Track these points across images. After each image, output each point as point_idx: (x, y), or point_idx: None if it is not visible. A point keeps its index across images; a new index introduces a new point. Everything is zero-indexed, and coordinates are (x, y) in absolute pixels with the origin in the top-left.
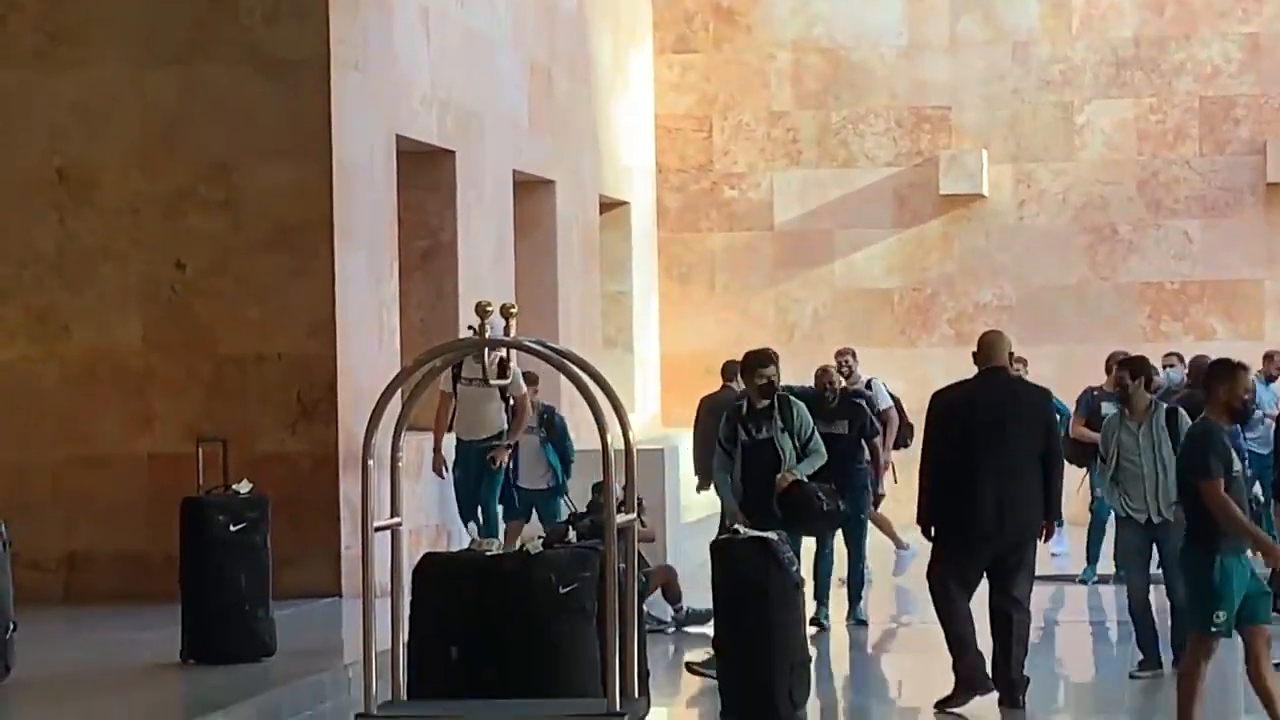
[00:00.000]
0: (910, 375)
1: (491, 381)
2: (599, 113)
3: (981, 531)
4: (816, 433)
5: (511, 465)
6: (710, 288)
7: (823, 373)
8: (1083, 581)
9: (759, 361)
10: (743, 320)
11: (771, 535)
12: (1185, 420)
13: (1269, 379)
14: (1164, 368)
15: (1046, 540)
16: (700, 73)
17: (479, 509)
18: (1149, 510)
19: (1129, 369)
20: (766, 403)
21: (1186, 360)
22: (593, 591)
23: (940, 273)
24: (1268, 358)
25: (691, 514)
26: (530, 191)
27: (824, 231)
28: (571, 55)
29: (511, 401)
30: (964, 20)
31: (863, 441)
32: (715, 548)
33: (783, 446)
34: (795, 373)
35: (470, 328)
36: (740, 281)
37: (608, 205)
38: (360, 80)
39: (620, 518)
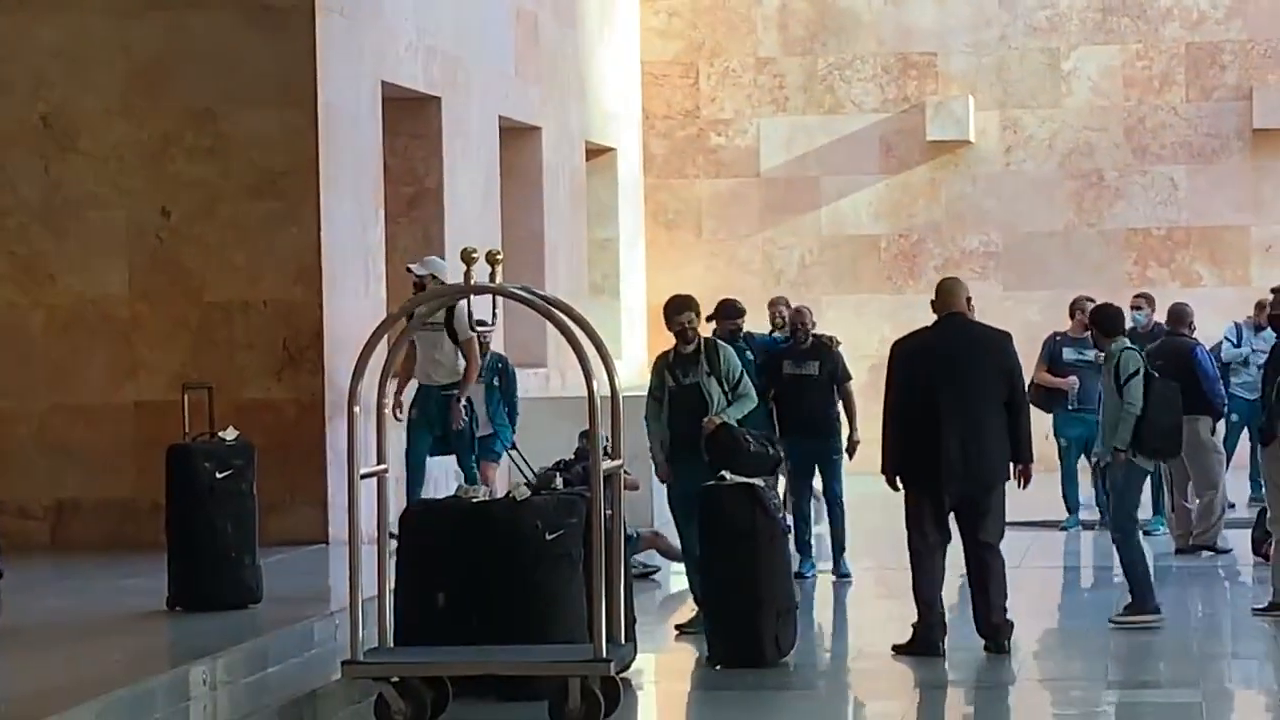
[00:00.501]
0: (897, 321)
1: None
2: (585, 59)
3: (948, 474)
4: (746, 377)
5: (469, 410)
6: (697, 234)
7: (796, 314)
8: (1064, 529)
9: (676, 308)
10: (729, 267)
11: (757, 481)
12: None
13: (1258, 327)
14: (1131, 309)
15: (1024, 486)
16: (686, 19)
17: (425, 462)
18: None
19: (1099, 326)
20: (691, 348)
21: (1154, 302)
22: (579, 538)
23: (927, 219)
24: (1259, 307)
25: None
26: (516, 138)
27: (810, 178)
28: (557, 1)
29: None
30: None
31: (834, 386)
32: (702, 494)
33: (709, 391)
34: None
35: (412, 274)
36: (727, 228)
37: (594, 152)
38: (346, 26)
39: (606, 464)
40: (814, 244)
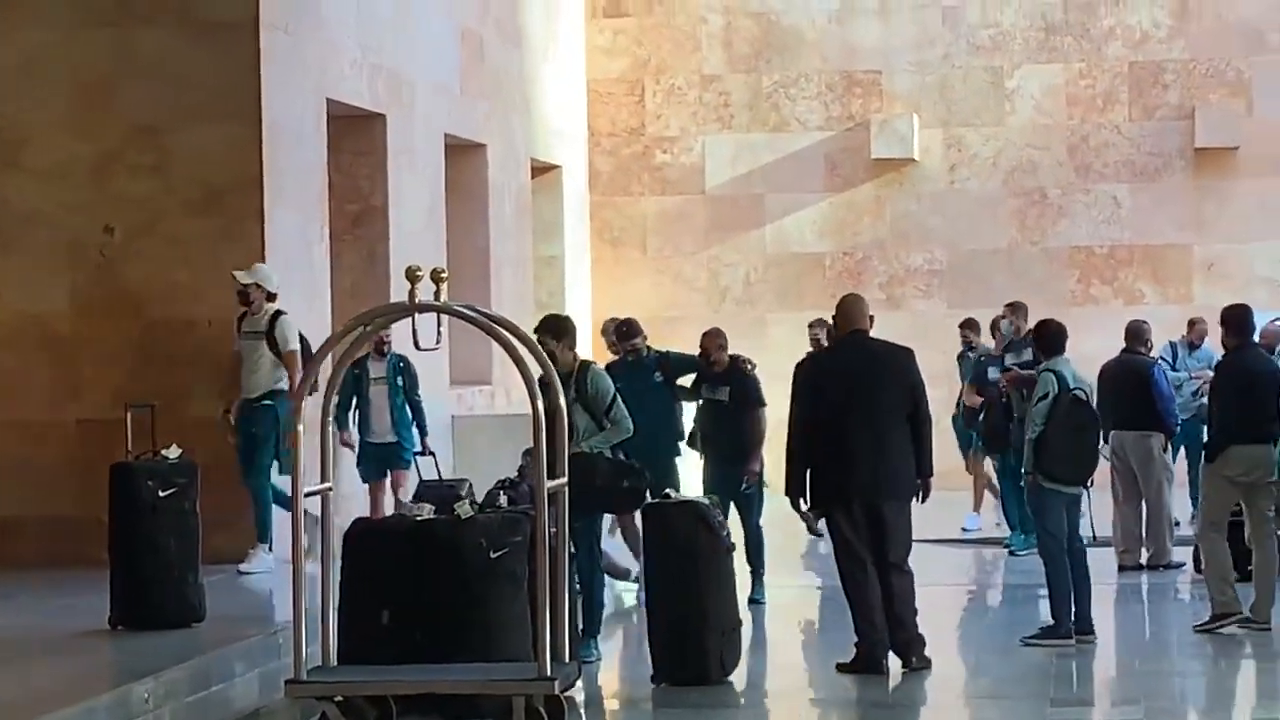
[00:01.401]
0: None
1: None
2: (531, 77)
3: (857, 490)
4: (619, 403)
5: (358, 420)
6: (642, 251)
7: (705, 336)
8: (1007, 546)
9: (539, 329)
10: (675, 284)
11: (703, 499)
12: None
13: (1192, 345)
14: (999, 319)
15: (923, 501)
16: (632, 36)
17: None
18: None
19: (1037, 344)
20: (566, 373)
21: (1024, 312)
22: (523, 557)
23: (872, 237)
24: (1191, 325)
25: None
26: (462, 155)
27: (755, 195)
28: (503, 19)
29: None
30: None
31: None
32: (646, 511)
33: (573, 419)
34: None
35: (237, 282)
36: (672, 245)
37: (539, 169)
38: (290, 44)
39: (551, 483)
40: (759, 261)
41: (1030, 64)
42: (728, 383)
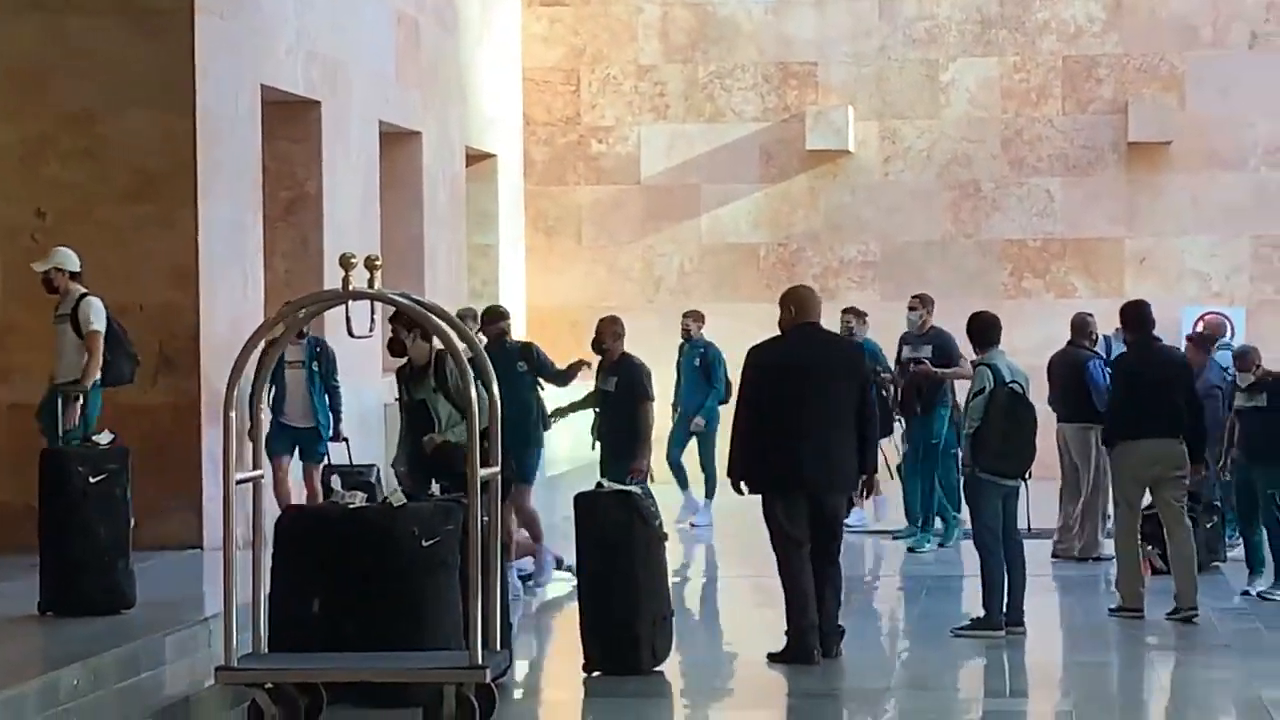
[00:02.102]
0: (775, 330)
1: (356, 333)
2: (466, 65)
3: (806, 480)
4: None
5: (273, 398)
6: (577, 241)
7: (604, 324)
8: (911, 549)
9: (392, 319)
10: (609, 274)
11: (635, 489)
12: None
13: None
14: (907, 309)
15: (866, 497)
16: (568, 25)
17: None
18: None
19: (970, 336)
20: (423, 363)
21: (931, 303)
22: (455, 545)
23: (806, 228)
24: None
25: (556, 467)
26: (397, 143)
27: (691, 186)
28: (439, 6)
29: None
30: None
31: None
32: (579, 501)
33: (435, 409)
34: (661, 328)
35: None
36: (607, 235)
37: (475, 158)
38: (225, 29)
39: (483, 471)
40: (694, 252)
41: (965, 57)
42: (616, 373)
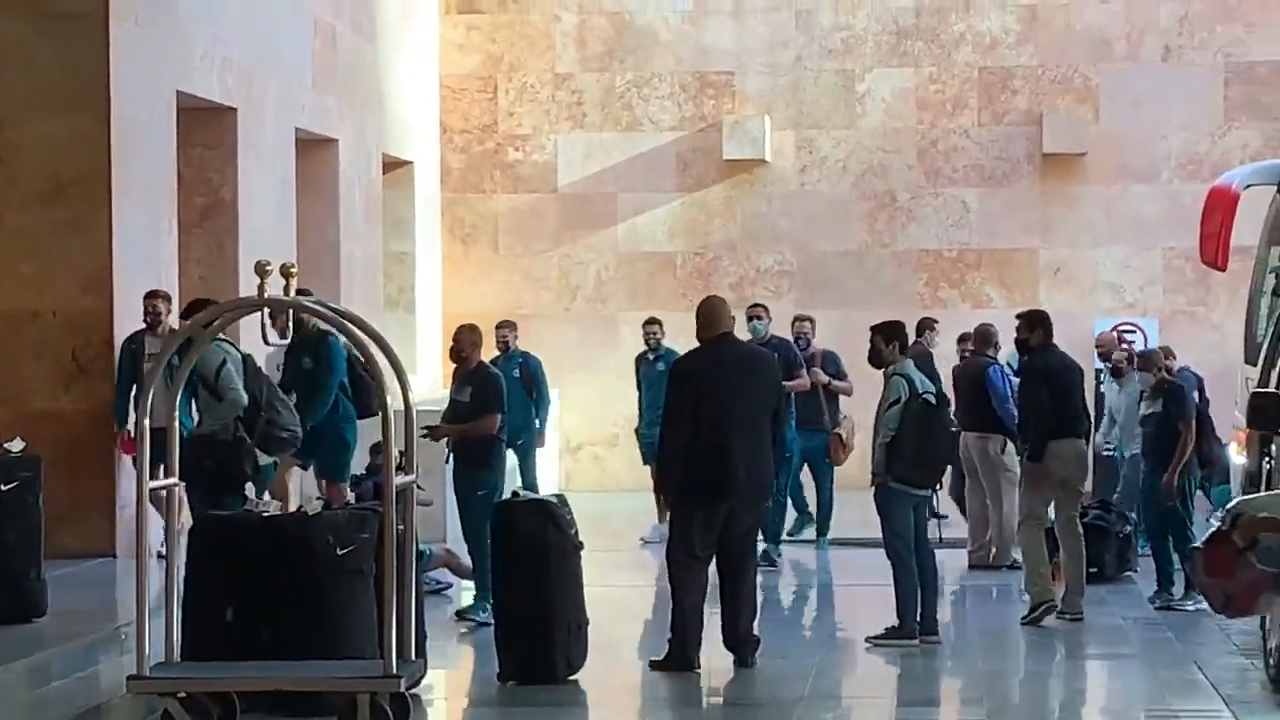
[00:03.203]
0: (692, 339)
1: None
2: (384, 72)
3: (731, 488)
4: (229, 384)
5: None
6: (494, 249)
7: (462, 332)
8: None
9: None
10: (525, 282)
11: (551, 498)
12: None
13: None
14: (749, 319)
15: (769, 503)
16: (485, 33)
17: None
18: None
19: (881, 334)
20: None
21: (770, 313)
22: (370, 553)
23: (723, 237)
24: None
25: None
26: (313, 150)
27: (608, 194)
28: (356, 13)
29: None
30: None
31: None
32: (496, 510)
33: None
34: (577, 337)
35: None
36: (524, 244)
37: (391, 165)
38: (140, 35)
39: (399, 479)
40: (610, 260)
41: (881, 68)
42: (471, 383)
